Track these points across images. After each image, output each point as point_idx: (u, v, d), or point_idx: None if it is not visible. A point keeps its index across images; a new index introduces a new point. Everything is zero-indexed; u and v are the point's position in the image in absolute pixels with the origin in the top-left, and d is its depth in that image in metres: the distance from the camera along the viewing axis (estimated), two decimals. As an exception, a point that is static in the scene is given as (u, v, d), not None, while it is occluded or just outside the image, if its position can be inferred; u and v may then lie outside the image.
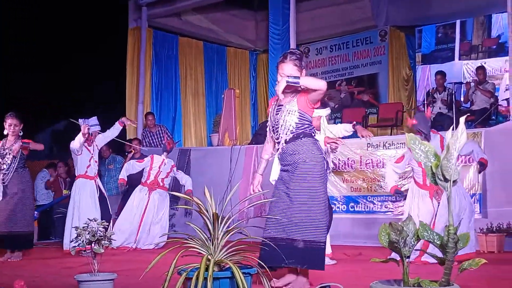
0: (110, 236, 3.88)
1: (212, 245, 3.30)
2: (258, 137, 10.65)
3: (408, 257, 2.61)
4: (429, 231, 2.61)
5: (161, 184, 8.80)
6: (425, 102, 10.42)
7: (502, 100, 10.64)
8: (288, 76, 4.27)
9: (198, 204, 3.37)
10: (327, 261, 6.48)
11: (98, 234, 3.82)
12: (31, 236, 7.50)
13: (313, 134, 4.46)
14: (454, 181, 2.51)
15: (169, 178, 8.93)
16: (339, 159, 8.96)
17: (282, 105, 4.43)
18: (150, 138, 11.37)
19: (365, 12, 12.89)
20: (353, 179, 8.91)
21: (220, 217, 3.36)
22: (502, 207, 7.53)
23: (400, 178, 7.71)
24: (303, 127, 4.40)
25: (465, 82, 11.38)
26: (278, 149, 4.47)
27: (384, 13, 12.68)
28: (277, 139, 4.46)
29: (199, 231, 3.37)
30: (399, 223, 2.63)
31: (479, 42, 12.49)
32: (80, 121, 7.72)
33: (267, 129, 4.60)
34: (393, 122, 10.86)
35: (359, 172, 8.85)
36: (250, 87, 14.63)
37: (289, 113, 4.38)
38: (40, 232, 9.93)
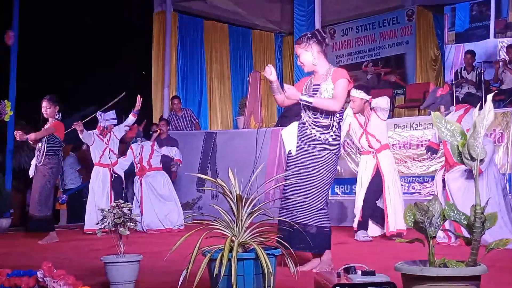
0: (135, 218, 3.90)
1: (236, 227, 3.29)
2: (284, 119, 10.61)
3: (434, 237, 2.57)
4: (455, 211, 2.57)
5: (147, 167, 8.80)
6: (453, 81, 10.24)
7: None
8: (302, 94, 4.40)
9: (222, 186, 3.36)
10: (365, 236, 6.53)
11: (124, 216, 3.84)
12: (46, 220, 7.55)
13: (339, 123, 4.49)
14: (481, 160, 2.46)
15: (155, 158, 8.85)
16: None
17: (319, 84, 4.44)
18: (176, 121, 11.39)
19: (391, -9, 12.72)
20: (379, 161, 8.82)
21: (244, 198, 3.35)
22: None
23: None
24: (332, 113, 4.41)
25: (494, 61, 11.15)
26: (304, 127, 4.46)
27: (411, -8, 12.49)
28: (310, 119, 4.45)
29: (223, 213, 3.36)
30: (425, 203, 2.59)
31: None
32: (98, 114, 8.48)
33: (301, 108, 4.57)
34: (420, 103, 10.71)
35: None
36: (276, 69, 14.50)
37: (327, 91, 4.38)
38: (69, 215, 10.06)
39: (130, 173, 9.13)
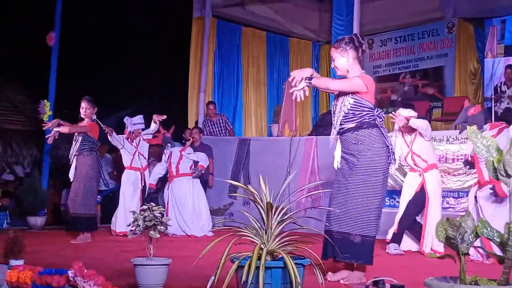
0: (166, 222, 3.92)
1: (266, 235, 3.28)
2: (318, 128, 10.59)
3: (466, 253, 2.52)
4: (488, 228, 2.52)
5: (175, 172, 8.84)
6: (493, 96, 10.08)
7: None
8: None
9: (253, 193, 3.36)
10: (396, 250, 6.47)
11: (154, 220, 3.87)
12: (91, 219, 7.70)
13: (378, 124, 4.41)
14: (517, 177, 2.41)
15: (183, 164, 8.85)
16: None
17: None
18: (211, 127, 11.44)
19: (432, 3, 12.57)
20: (414, 173, 8.71)
21: (275, 206, 3.34)
22: None
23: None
24: (361, 114, 4.36)
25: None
26: (335, 134, 4.47)
27: (452, 4, 12.33)
28: (335, 125, 4.45)
29: (254, 220, 3.36)
30: (457, 219, 2.54)
31: None
32: (125, 119, 8.74)
33: None
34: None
35: (420, 166, 8.65)
36: (313, 78, 14.48)
37: (344, 98, 4.38)
38: (103, 216, 10.16)
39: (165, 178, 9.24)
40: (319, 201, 8.86)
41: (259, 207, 3.32)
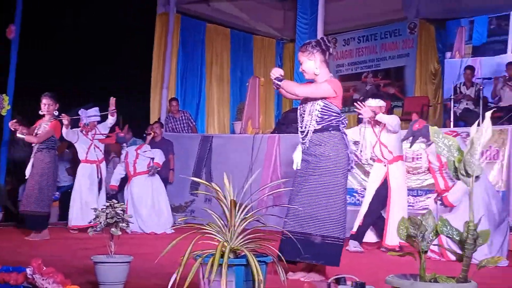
0: (128, 219, 3.89)
1: (229, 232, 3.28)
2: (281, 126, 10.63)
3: (426, 252, 2.56)
4: (448, 227, 2.56)
5: (133, 172, 8.79)
6: (452, 97, 10.25)
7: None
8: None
9: (216, 191, 3.35)
10: (355, 247, 6.54)
11: (116, 217, 3.83)
12: (44, 218, 7.56)
13: (340, 128, 4.44)
14: (477, 177, 2.46)
15: (140, 162, 8.81)
16: (361, 151, 8.88)
17: None
18: (173, 123, 11.38)
19: (395, 3, 12.72)
20: (374, 172, 8.81)
21: (238, 204, 3.34)
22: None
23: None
24: (329, 119, 4.39)
25: (494, 77, 11.16)
26: (303, 137, 4.48)
27: (414, 5, 12.49)
28: (303, 128, 4.46)
29: (217, 217, 3.35)
30: (416, 217, 2.58)
31: None
32: (80, 112, 8.61)
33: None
34: (418, 116, 10.71)
35: (381, 165, 8.75)
36: (276, 76, 14.52)
37: (313, 102, 4.40)
38: (61, 213, 10.03)
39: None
40: (281, 199, 8.89)
41: (222, 204, 3.32)
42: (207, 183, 3.51)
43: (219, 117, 13.23)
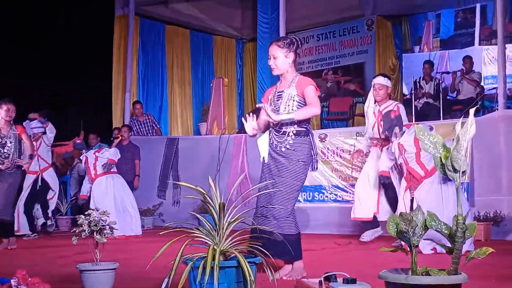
0: (112, 225, 3.89)
1: (218, 235, 3.32)
2: (247, 126, 10.68)
3: (417, 246, 2.65)
4: (436, 221, 2.66)
5: (94, 175, 8.82)
6: (413, 91, 10.48)
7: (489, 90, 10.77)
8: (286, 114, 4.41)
9: (204, 194, 3.38)
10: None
11: (100, 224, 3.83)
12: (10, 225, 7.49)
13: (310, 132, 4.53)
14: (463, 172, 2.56)
15: (99, 165, 8.82)
16: (328, 148, 9.02)
17: (282, 91, 4.50)
18: (138, 127, 11.34)
19: (352, 1, 12.91)
20: (341, 168, 8.96)
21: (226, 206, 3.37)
22: (489, 196, 7.62)
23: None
24: (302, 121, 4.45)
25: (451, 71, 11.45)
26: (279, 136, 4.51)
27: (371, 2, 12.71)
28: (276, 127, 4.50)
29: (206, 221, 3.38)
30: (407, 213, 2.67)
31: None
32: (25, 123, 8.72)
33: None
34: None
35: (347, 161, 8.91)
36: (237, 76, 14.63)
37: (289, 98, 4.44)
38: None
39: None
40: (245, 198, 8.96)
41: (210, 207, 3.35)
42: (192, 186, 3.52)
43: (183, 119, 13.22)
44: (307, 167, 4.51)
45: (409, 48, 13.19)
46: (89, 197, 8.90)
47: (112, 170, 8.85)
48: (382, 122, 6.62)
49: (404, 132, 6.32)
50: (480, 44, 12.05)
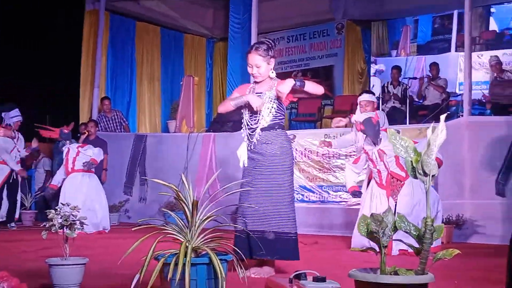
0: (83, 220, 3.89)
1: (189, 232, 3.34)
2: (215, 125, 10.72)
3: (385, 246, 2.72)
4: (406, 222, 2.73)
5: (70, 169, 8.74)
6: (381, 96, 10.64)
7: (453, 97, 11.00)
8: (293, 79, 4.46)
9: (177, 191, 3.41)
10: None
11: (71, 218, 3.82)
12: None
13: (284, 126, 4.60)
14: (433, 176, 2.64)
15: (79, 161, 8.73)
16: (296, 149, 9.10)
17: (261, 93, 4.53)
18: (105, 122, 11.27)
19: (323, 4, 13.04)
20: (309, 169, 9.07)
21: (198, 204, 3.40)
22: (452, 200, 7.81)
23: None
24: (279, 117, 4.52)
25: (419, 77, 11.66)
26: (251, 135, 4.54)
27: (341, 7, 12.86)
28: (254, 125, 4.53)
29: (178, 218, 3.41)
30: (378, 214, 2.74)
31: (477, 34, 12.67)
32: (3, 114, 9.00)
33: (244, 115, 4.64)
34: (348, 114, 11.03)
35: (315, 162, 9.02)
36: (206, 74, 14.64)
37: (270, 100, 4.48)
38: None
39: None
40: (216, 196, 8.98)
41: (183, 204, 3.38)
42: (166, 183, 3.54)
43: (151, 116, 13.18)
44: (288, 159, 4.53)
45: (386, 52, 13.37)
46: (59, 188, 8.83)
47: (75, 169, 8.76)
48: (364, 130, 6.49)
49: (381, 138, 6.36)
50: (456, 50, 12.30)
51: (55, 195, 8.86)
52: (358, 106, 7.07)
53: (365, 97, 7.01)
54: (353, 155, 8.48)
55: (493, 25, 12.84)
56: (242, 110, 4.66)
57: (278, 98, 4.46)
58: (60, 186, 8.85)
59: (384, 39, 13.44)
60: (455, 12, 12.40)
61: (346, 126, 7.51)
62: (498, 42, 12.53)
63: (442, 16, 12.86)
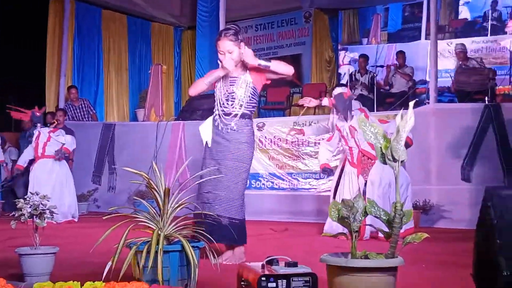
0: (53, 209, 3.86)
1: (161, 220, 3.36)
2: (184, 113, 10.69)
3: (356, 231, 2.77)
4: (376, 207, 2.78)
5: (40, 153, 8.60)
6: (348, 84, 10.73)
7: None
8: (260, 61, 4.51)
9: (148, 179, 3.41)
10: None
11: (40, 208, 3.80)
12: None
13: (252, 112, 4.64)
14: (402, 161, 2.69)
15: (50, 146, 8.60)
16: (265, 137, 9.14)
17: (236, 77, 4.55)
18: (73, 111, 11.15)
19: (291, -7, 13.07)
20: (278, 157, 9.11)
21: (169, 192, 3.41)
22: (419, 185, 7.91)
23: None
24: (253, 102, 4.55)
25: (385, 65, 11.77)
26: (224, 119, 4.56)
27: (309, -5, 12.90)
28: (230, 109, 4.54)
29: (150, 206, 3.42)
30: (348, 200, 2.78)
31: (446, 23, 12.76)
32: None
33: (217, 99, 4.66)
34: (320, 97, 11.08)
35: (284, 150, 9.06)
36: (174, 63, 14.56)
37: (246, 85, 4.50)
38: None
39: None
40: (186, 185, 8.99)
41: (155, 192, 3.38)
42: (137, 171, 3.53)
43: (119, 105, 13.07)
44: (251, 149, 4.62)
45: (357, 40, 13.44)
46: (25, 169, 8.77)
47: (45, 154, 8.65)
48: (335, 104, 6.47)
49: (353, 115, 6.40)
50: (426, 38, 12.43)
51: (23, 181, 8.76)
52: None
53: (336, 90, 7.01)
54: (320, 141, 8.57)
55: (466, 13, 13.00)
56: (215, 93, 4.67)
57: (253, 83, 4.51)
58: (27, 167, 8.76)
59: (355, 27, 13.52)
60: (425, 0, 12.52)
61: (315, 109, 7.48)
62: (468, 30, 12.71)
63: (412, 5, 12.99)
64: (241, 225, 4.58)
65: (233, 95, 4.57)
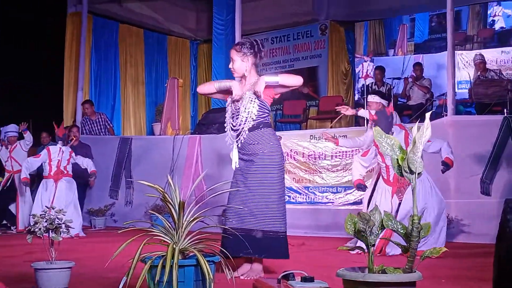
0: (69, 224, 3.86)
1: (176, 234, 3.33)
2: (201, 127, 10.69)
3: (373, 245, 2.72)
4: (393, 221, 2.73)
5: (65, 172, 8.73)
6: (366, 96, 10.66)
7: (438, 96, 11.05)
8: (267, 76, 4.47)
9: (163, 193, 3.39)
10: None
11: (56, 222, 3.79)
12: None
13: (271, 124, 4.60)
14: (419, 174, 2.64)
15: (71, 165, 8.83)
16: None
17: (241, 94, 4.55)
18: (90, 125, 11.19)
19: (306, 5, 13.07)
20: (295, 170, 9.06)
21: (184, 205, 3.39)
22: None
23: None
24: (263, 116, 4.52)
25: (403, 77, 11.71)
26: (237, 136, 4.55)
27: (325, 8, 12.91)
28: (237, 126, 4.54)
29: (165, 220, 3.39)
30: (365, 213, 2.74)
31: (474, 32, 12.65)
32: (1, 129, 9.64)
33: (226, 116, 4.67)
34: (333, 115, 11.08)
35: (301, 163, 9.02)
36: (191, 76, 14.62)
37: (251, 100, 4.48)
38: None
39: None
40: (203, 198, 8.96)
41: (170, 206, 3.36)
42: (152, 185, 3.51)
43: (136, 119, 13.13)
44: (278, 157, 4.53)
45: (383, 51, 13.36)
46: (31, 181, 9.14)
47: (69, 173, 8.76)
48: (377, 120, 6.29)
49: (393, 132, 6.29)
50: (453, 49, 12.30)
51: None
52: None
53: (369, 98, 7.03)
54: (338, 155, 8.53)
55: (501, 23, 12.81)
56: (226, 107, 4.67)
57: (258, 97, 4.48)
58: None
59: (381, 38, 13.46)
60: (449, 11, 12.41)
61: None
62: (499, 40, 12.55)
63: (439, 15, 12.88)
64: (284, 238, 4.49)
65: (238, 111, 4.55)
